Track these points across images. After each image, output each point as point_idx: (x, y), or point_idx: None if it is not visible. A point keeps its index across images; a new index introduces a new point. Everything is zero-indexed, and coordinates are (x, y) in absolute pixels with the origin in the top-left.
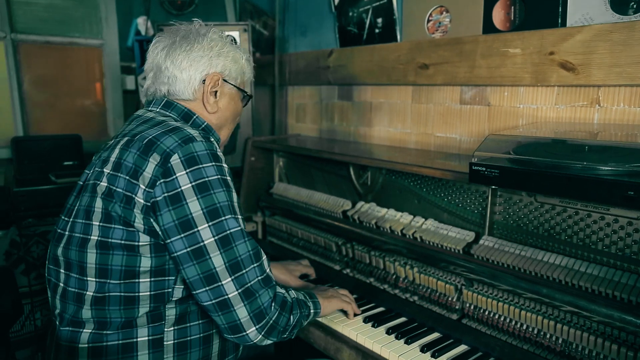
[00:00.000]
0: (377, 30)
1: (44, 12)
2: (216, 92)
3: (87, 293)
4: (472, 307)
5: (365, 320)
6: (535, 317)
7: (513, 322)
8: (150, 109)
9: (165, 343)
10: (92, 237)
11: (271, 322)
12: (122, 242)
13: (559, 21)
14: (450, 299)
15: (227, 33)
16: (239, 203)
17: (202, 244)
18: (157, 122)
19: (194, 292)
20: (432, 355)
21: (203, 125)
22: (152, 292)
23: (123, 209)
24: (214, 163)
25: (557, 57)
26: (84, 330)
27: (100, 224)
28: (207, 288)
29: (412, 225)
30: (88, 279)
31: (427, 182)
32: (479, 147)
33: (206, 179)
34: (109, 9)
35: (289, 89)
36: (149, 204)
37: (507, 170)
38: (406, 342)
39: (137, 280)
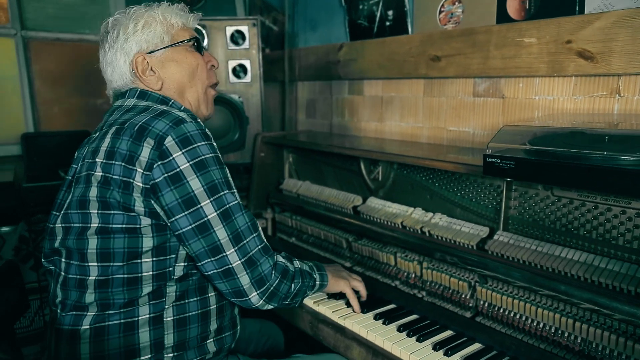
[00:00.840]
0: (387, 23)
1: (54, 9)
2: (151, 68)
3: (90, 278)
4: (486, 305)
5: (376, 318)
6: (552, 315)
7: (529, 320)
8: (126, 99)
9: (165, 319)
10: (91, 225)
11: (272, 288)
12: (124, 226)
13: (577, 8)
14: (463, 296)
15: (235, 27)
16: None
17: (205, 219)
18: (143, 109)
19: (199, 263)
20: (445, 354)
21: (181, 109)
22: (154, 272)
23: (122, 194)
24: (206, 142)
25: (575, 45)
26: (87, 314)
27: (99, 211)
28: (213, 259)
29: (424, 220)
30: (89, 264)
31: (439, 176)
32: (493, 138)
33: (202, 157)
34: (119, 6)
35: (298, 84)
36: (149, 186)
37: (523, 161)
38: (418, 340)
39: (139, 261)
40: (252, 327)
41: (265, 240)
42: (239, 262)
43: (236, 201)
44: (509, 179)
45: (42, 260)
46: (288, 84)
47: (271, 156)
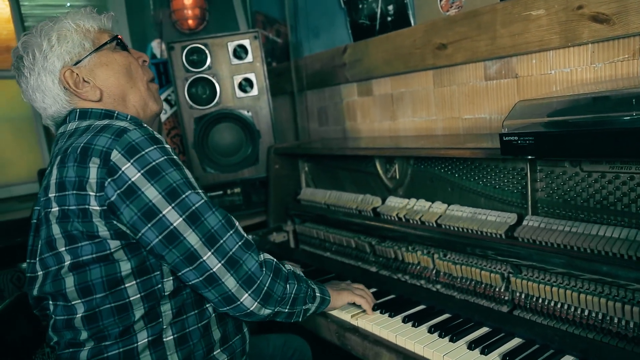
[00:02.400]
0: (389, 19)
1: None
2: (83, 79)
3: (77, 316)
4: (522, 296)
5: (405, 320)
6: (597, 300)
7: (572, 309)
8: (68, 124)
9: (165, 340)
10: (65, 264)
11: (265, 288)
12: (94, 255)
13: None
14: (497, 289)
15: (237, 42)
16: (194, 179)
17: (171, 227)
18: (84, 129)
19: (179, 274)
20: (482, 352)
21: (128, 118)
22: (142, 294)
23: (82, 223)
24: (155, 146)
25: (587, 10)
26: (84, 348)
27: (66, 247)
28: (191, 267)
29: (446, 214)
30: (73, 303)
31: (458, 166)
32: (508, 116)
33: (153, 163)
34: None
35: (308, 93)
36: (105, 207)
37: (543, 135)
38: (451, 340)
39: (122, 287)
40: (276, 342)
41: (245, 235)
42: (219, 264)
43: (202, 200)
44: (531, 160)
45: (33, 310)
46: (297, 94)
47: (286, 168)
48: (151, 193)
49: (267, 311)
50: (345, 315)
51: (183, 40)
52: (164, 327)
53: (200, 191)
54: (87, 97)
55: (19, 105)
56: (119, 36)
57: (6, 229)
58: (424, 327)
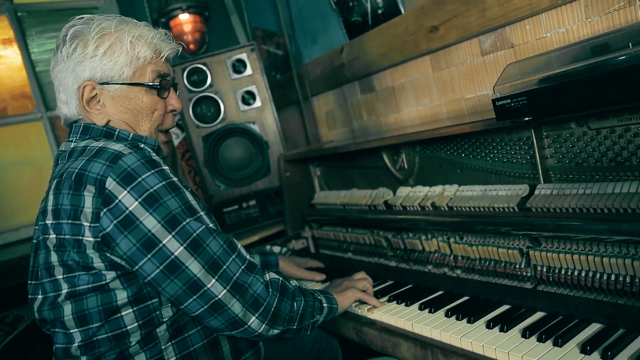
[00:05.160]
0: (379, 11)
1: None
2: (98, 100)
3: (74, 345)
4: (544, 270)
5: (421, 308)
6: (622, 261)
7: (597, 275)
8: (70, 139)
9: None
10: (62, 292)
11: (272, 309)
12: (90, 285)
13: None
14: (517, 266)
15: (235, 57)
16: (197, 198)
17: (172, 256)
18: (80, 152)
19: (182, 307)
20: (501, 330)
21: (129, 138)
22: (139, 322)
23: (78, 254)
24: (152, 171)
25: None
26: None
27: (64, 276)
28: (195, 297)
29: (456, 196)
30: (71, 331)
31: (463, 146)
32: (498, 80)
33: (151, 190)
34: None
35: (313, 100)
36: (99, 239)
37: (536, 92)
38: (469, 322)
39: (119, 315)
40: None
41: (248, 257)
42: (225, 290)
43: (203, 226)
44: (535, 126)
45: (43, 329)
46: (303, 102)
47: (298, 175)
48: (150, 222)
49: (275, 331)
50: (361, 310)
51: (182, 62)
52: (163, 347)
53: (200, 214)
54: (91, 118)
55: (40, 148)
56: (169, 78)
57: None
58: (440, 312)
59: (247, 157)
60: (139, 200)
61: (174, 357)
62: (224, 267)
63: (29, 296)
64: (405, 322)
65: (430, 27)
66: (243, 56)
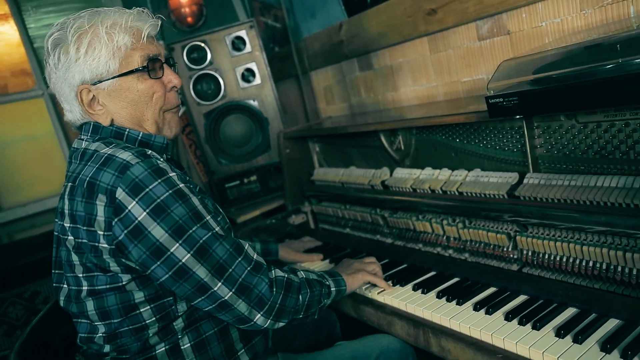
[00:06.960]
0: None
1: None
2: (98, 101)
3: (98, 335)
4: (530, 254)
5: (415, 288)
6: (599, 250)
7: (577, 261)
8: (81, 137)
9: (182, 348)
10: (83, 288)
11: (277, 306)
12: (108, 286)
13: None
14: (505, 249)
15: (234, 34)
16: (205, 198)
17: (180, 263)
18: (90, 155)
19: (193, 303)
20: (487, 312)
21: (139, 138)
22: (157, 316)
23: (95, 257)
24: (159, 180)
25: None
26: (108, 358)
27: (84, 275)
28: (203, 297)
29: (451, 180)
30: (95, 323)
31: (458, 131)
32: (492, 78)
33: (158, 200)
34: None
35: (312, 74)
36: (114, 246)
37: (526, 94)
38: (458, 303)
39: (138, 311)
40: None
41: (254, 257)
42: (230, 292)
43: (209, 233)
44: (527, 117)
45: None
46: (302, 77)
47: (297, 151)
48: (158, 232)
49: (281, 324)
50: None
51: (182, 40)
52: (179, 336)
53: (207, 219)
54: (97, 120)
55: (42, 124)
56: (160, 57)
57: (47, 239)
58: (432, 293)
59: (248, 134)
60: (147, 210)
61: (189, 344)
62: (230, 270)
63: (54, 284)
64: (399, 302)
65: (429, 9)
66: (242, 33)
